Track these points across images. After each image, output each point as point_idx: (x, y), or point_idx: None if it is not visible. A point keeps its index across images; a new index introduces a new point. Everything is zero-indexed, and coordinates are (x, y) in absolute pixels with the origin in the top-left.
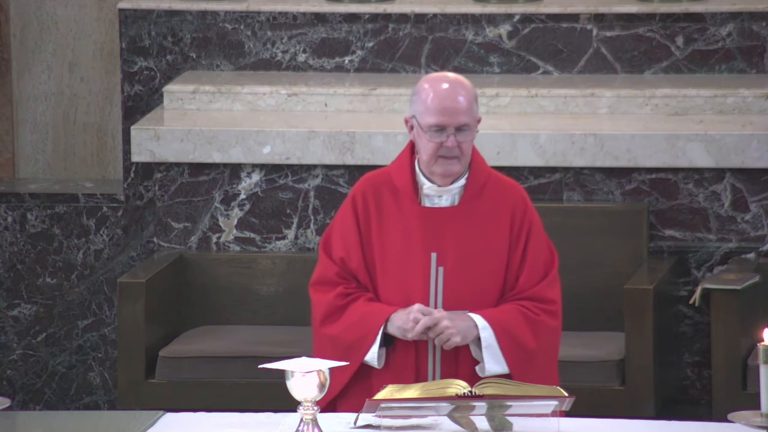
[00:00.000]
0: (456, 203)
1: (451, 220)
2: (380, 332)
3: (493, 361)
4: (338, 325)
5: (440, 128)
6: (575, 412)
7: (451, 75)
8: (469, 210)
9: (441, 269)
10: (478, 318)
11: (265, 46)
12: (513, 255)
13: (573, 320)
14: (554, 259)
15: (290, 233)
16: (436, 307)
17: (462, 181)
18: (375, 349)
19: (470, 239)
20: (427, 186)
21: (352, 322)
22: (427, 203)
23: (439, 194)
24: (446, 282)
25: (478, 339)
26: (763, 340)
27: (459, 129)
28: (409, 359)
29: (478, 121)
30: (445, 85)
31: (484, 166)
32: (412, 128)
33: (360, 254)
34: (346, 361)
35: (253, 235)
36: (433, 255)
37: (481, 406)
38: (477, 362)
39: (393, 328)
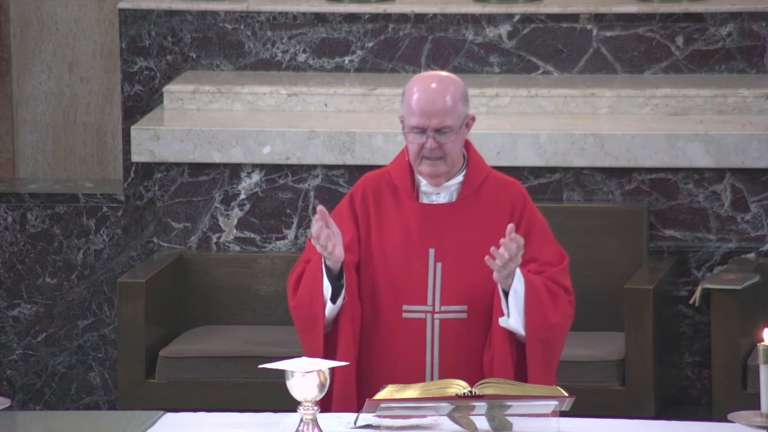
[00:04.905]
0: (454, 200)
1: (449, 216)
2: (323, 266)
3: (515, 313)
4: (298, 292)
5: (420, 130)
6: (575, 412)
7: (439, 74)
8: (467, 206)
9: (439, 265)
10: (519, 271)
11: (265, 46)
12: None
13: (573, 320)
14: (564, 256)
15: (290, 233)
16: (434, 303)
17: (459, 178)
18: (327, 285)
19: (468, 235)
20: (424, 183)
21: (305, 281)
22: (424, 200)
23: (437, 191)
24: (444, 277)
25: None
26: (763, 340)
27: (439, 131)
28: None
29: (472, 119)
30: (429, 86)
31: (483, 164)
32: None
33: (357, 250)
34: (312, 318)
35: (253, 235)
36: (431, 251)
37: (481, 406)
38: (473, 363)
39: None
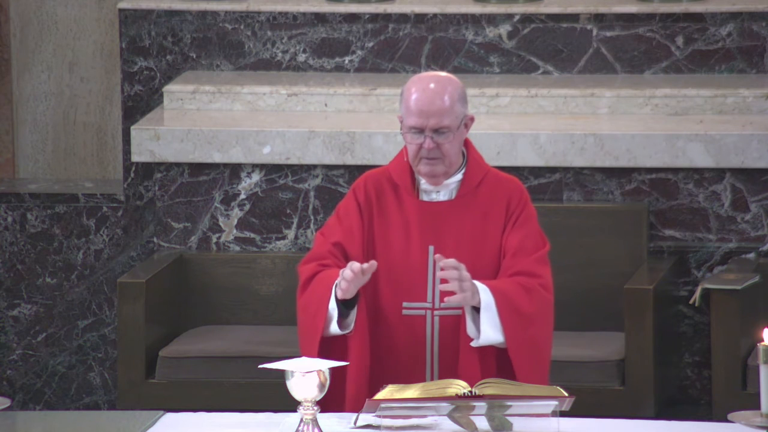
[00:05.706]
0: (453, 198)
1: (448, 213)
2: (334, 289)
3: (490, 326)
4: (306, 293)
5: (418, 130)
6: (575, 412)
7: (438, 74)
8: (466, 203)
9: None
10: (477, 282)
11: (265, 46)
12: (505, 242)
13: (573, 320)
14: (545, 243)
15: (290, 233)
16: (434, 300)
17: (459, 176)
18: (333, 305)
19: (467, 232)
20: (424, 181)
21: (315, 286)
22: (424, 197)
23: (437, 189)
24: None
25: (476, 309)
26: (763, 340)
27: (437, 131)
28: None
29: (471, 119)
30: (428, 86)
31: (482, 163)
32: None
33: (361, 242)
34: (313, 327)
35: (253, 235)
36: (431, 248)
37: (481, 406)
38: (473, 362)
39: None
